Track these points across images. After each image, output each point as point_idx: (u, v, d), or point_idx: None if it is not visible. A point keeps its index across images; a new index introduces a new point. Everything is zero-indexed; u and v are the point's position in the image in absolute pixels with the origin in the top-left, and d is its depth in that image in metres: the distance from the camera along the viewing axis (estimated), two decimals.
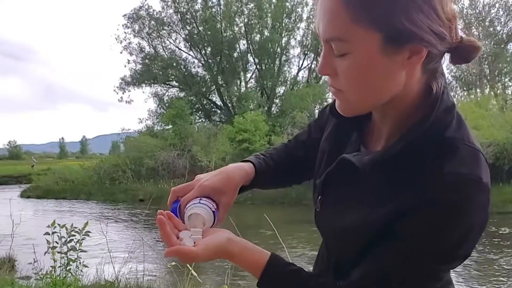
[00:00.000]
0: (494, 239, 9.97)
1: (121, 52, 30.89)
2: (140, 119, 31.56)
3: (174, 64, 30.43)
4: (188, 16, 29.81)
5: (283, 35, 29.69)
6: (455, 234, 0.64)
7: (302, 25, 30.09)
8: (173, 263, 4.62)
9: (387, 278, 0.68)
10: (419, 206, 0.64)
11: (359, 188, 0.75)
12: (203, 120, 31.58)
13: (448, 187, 0.63)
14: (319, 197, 0.84)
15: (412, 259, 0.66)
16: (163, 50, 30.93)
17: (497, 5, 28.53)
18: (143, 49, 30.78)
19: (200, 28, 29.73)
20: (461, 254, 0.67)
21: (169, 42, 30.85)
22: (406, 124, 0.70)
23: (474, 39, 0.68)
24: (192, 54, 30.91)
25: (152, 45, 30.69)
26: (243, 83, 30.99)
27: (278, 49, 29.79)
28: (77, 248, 4.98)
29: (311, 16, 27.52)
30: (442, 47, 0.66)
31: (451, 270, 0.77)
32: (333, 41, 0.66)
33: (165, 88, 31.35)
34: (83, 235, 4.96)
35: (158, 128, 29.30)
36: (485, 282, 6.92)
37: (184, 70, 30.72)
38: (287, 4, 29.57)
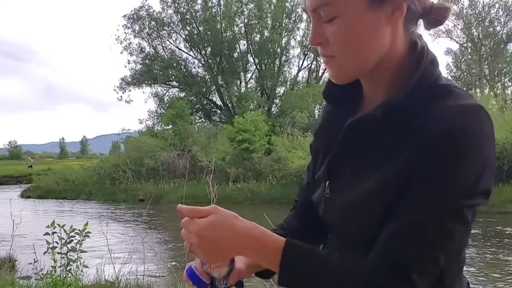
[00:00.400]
0: (504, 239, 9.92)
1: (121, 52, 30.93)
2: (140, 119, 31.57)
3: (174, 64, 30.44)
4: (188, 17, 29.82)
5: (283, 35, 29.70)
6: (472, 163, 0.64)
7: (302, 25, 30.11)
8: (173, 263, 4.62)
9: (419, 230, 0.65)
10: (432, 142, 0.64)
11: (367, 155, 0.75)
12: (203, 120, 31.58)
13: (455, 115, 0.64)
14: (327, 182, 0.82)
15: (437, 199, 0.64)
16: (163, 50, 30.96)
17: (496, 5, 28.55)
18: (143, 50, 30.82)
19: (200, 29, 29.73)
20: (481, 189, 0.65)
21: (169, 42, 30.89)
22: (398, 85, 0.73)
23: (443, 2, 0.74)
24: (192, 54, 30.94)
25: (152, 46, 30.71)
26: (243, 83, 31.01)
27: (278, 49, 29.80)
28: (77, 249, 4.98)
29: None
30: (419, 5, 0.71)
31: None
32: (321, 8, 0.71)
33: (165, 88, 31.38)
34: (83, 236, 4.96)
35: (158, 128, 29.33)
36: (503, 283, 6.85)
37: (184, 70, 30.73)
38: (287, 4, 29.58)
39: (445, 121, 0.64)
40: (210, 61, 30.30)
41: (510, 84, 29.67)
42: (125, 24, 30.25)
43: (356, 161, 0.77)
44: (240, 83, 31.08)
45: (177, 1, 29.44)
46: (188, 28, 30.01)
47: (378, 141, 0.73)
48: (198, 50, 30.34)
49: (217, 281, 0.79)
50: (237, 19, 29.85)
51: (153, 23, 29.91)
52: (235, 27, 29.90)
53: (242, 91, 30.15)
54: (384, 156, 0.71)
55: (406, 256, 0.65)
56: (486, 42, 29.12)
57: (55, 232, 4.91)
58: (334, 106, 0.89)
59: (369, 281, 0.66)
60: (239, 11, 29.58)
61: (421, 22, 0.75)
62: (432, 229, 0.64)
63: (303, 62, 30.90)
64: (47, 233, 4.91)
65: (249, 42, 29.81)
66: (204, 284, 0.78)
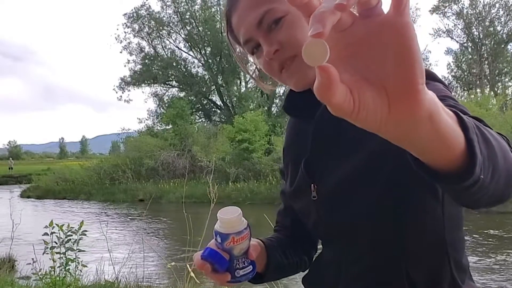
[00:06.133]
0: None
1: (121, 52, 30.93)
2: (139, 119, 31.62)
3: (174, 64, 30.45)
4: (187, 16, 29.83)
5: None
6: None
7: None
8: (173, 263, 4.61)
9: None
10: None
11: (345, 138, 0.77)
12: (203, 120, 31.60)
13: None
14: (312, 185, 0.83)
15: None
16: (163, 50, 30.98)
17: (497, 5, 28.55)
18: (143, 49, 30.84)
19: (200, 28, 29.74)
20: None
21: (169, 42, 30.91)
22: None
23: None
24: (192, 54, 30.94)
25: (152, 45, 30.73)
26: (243, 83, 30.99)
27: None
28: (75, 248, 4.97)
29: None
30: None
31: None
32: (265, 16, 0.74)
33: (165, 88, 31.39)
34: (80, 234, 4.95)
35: (158, 128, 29.34)
36: None
37: (184, 70, 30.74)
38: None
39: None
40: (209, 60, 30.31)
41: (510, 84, 29.69)
42: (124, 23, 30.30)
43: (336, 149, 0.79)
44: (240, 82, 31.07)
45: (177, 1, 29.45)
46: (187, 28, 30.02)
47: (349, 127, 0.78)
48: (198, 50, 30.35)
49: (235, 260, 0.79)
50: None
51: (152, 22, 29.93)
52: None
53: (242, 91, 30.15)
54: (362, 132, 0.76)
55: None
56: (487, 42, 29.12)
57: (54, 232, 4.89)
58: (298, 118, 0.91)
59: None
60: None
61: None
62: None
63: None
64: (45, 233, 4.89)
65: None
66: (225, 261, 0.77)
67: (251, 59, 0.88)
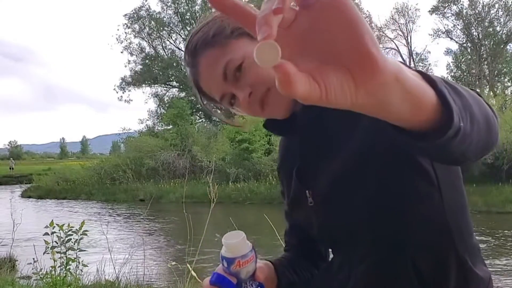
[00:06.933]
0: None
1: (121, 52, 31.00)
2: (140, 119, 31.67)
3: (174, 65, 30.48)
4: (188, 17, 29.87)
5: None
6: None
7: None
8: (173, 263, 4.63)
9: None
10: None
11: (332, 139, 0.80)
12: (204, 120, 31.62)
13: None
14: (307, 191, 0.85)
15: None
16: (163, 50, 31.01)
17: (496, 5, 28.59)
18: (144, 50, 30.87)
19: None
20: None
21: (169, 42, 30.94)
22: None
23: None
24: None
25: (152, 46, 30.77)
26: None
27: None
28: (76, 248, 4.99)
29: None
30: None
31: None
32: (228, 65, 0.79)
33: (165, 89, 31.42)
34: (80, 234, 4.97)
35: (159, 128, 29.37)
36: None
37: (184, 70, 30.62)
38: None
39: None
40: None
41: (509, 84, 29.72)
42: (125, 24, 30.33)
43: (323, 152, 0.81)
44: None
45: (177, 2, 29.49)
46: (188, 28, 30.05)
47: (333, 119, 0.78)
48: None
49: (243, 283, 0.81)
50: None
51: (153, 23, 29.97)
52: None
53: None
54: (348, 123, 0.75)
55: None
56: (486, 42, 29.15)
57: (54, 232, 4.91)
58: (281, 134, 0.97)
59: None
60: None
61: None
62: None
63: None
64: (46, 233, 4.91)
65: None
66: (232, 285, 0.79)
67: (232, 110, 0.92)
